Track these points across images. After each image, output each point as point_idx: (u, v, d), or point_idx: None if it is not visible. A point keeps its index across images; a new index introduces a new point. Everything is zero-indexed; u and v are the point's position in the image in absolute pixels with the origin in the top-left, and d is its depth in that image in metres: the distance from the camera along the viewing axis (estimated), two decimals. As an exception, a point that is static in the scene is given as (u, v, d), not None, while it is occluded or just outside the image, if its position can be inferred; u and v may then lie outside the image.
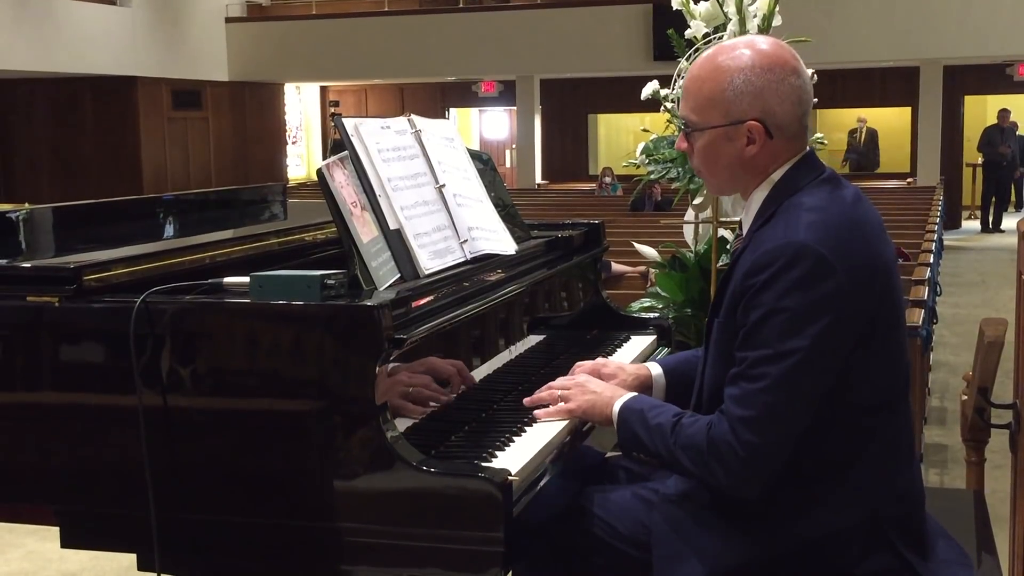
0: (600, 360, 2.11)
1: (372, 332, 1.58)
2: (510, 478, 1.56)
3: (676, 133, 3.82)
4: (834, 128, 16.39)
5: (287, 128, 16.99)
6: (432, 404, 1.80)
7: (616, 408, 1.79)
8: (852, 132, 16.69)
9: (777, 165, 1.70)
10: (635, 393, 1.84)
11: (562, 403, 1.88)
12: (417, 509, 1.56)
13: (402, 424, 1.71)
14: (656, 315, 2.80)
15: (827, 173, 1.70)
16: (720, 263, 3.90)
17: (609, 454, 2.16)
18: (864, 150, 16.61)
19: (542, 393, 1.91)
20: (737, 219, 4.00)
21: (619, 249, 6.40)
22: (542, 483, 1.71)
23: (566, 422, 1.87)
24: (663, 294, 4.20)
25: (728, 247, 4.12)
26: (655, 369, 2.04)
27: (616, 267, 6.95)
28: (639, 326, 2.69)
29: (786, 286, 1.56)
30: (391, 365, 1.65)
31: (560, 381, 1.94)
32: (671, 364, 2.05)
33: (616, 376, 2.00)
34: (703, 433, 1.63)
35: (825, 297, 1.55)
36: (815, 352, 1.55)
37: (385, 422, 1.59)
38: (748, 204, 1.75)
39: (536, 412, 1.88)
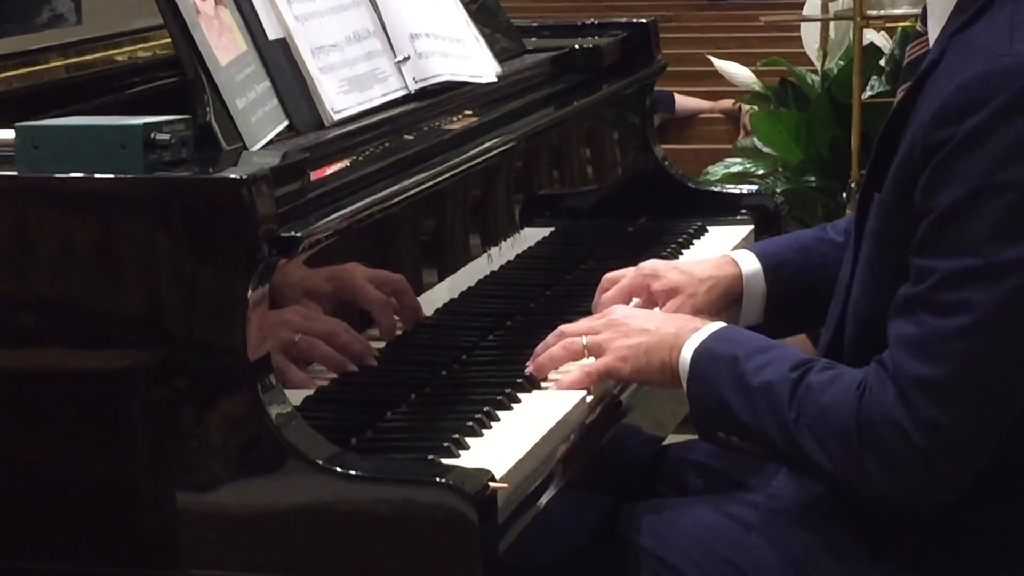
0: (647, 266, 2.11)
1: (240, 227, 1.59)
2: (493, 485, 1.57)
3: None
4: None
5: None
6: (352, 364, 1.85)
7: (687, 354, 1.81)
8: None
9: None
10: (721, 324, 1.87)
11: (590, 359, 1.89)
12: (328, 544, 1.58)
13: (298, 394, 1.73)
14: (755, 188, 2.84)
15: None
16: (870, 93, 3.87)
17: (671, 439, 2.19)
18: None
19: (554, 349, 1.92)
20: (907, 11, 3.96)
21: (688, 69, 6.37)
22: (549, 494, 1.73)
23: (587, 389, 1.90)
24: (766, 150, 4.20)
25: (885, 64, 4.08)
26: (748, 263, 2.10)
27: (683, 102, 6.92)
28: (723, 208, 2.71)
29: (1010, 143, 1.57)
30: (275, 283, 1.66)
31: (582, 323, 1.95)
32: (778, 253, 2.11)
33: (678, 290, 2.04)
34: (851, 402, 1.65)
35: None
36: None
37: (267, 390, 1.60)
38: None
39: (550, 381, 1.91)
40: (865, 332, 1.74)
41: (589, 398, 1.88)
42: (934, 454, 1.60)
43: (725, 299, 2.03)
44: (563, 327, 1.95)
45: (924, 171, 1.63)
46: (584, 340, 1.91)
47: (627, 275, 2.09)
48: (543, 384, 1.91)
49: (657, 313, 1.97)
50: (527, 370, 1.93)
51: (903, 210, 1.67)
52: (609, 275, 2.10)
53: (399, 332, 1.98)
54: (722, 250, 2.51)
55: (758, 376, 1.73)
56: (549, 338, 1.94)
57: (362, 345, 1.88)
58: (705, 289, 2.03)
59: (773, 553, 1.78)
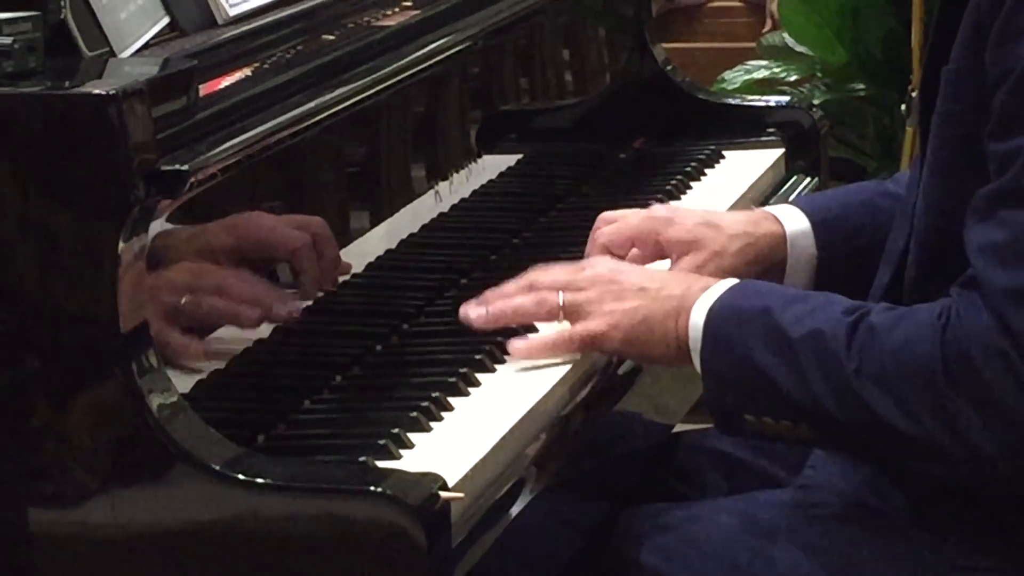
0: (661, 209, 2.15)
1: (107, 158, 1.58)
2: (445, 495, 1.58)
3: None
4: None
5: None
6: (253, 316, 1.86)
7: (698, 318, 1.83)
8: None
9: None
10: (735, 280, 1.90)
11: (563, 323, 1.92)
12: (227, 573, 1.60)
13: (188, 379, 1.72)
14: (785, 99, 2.84)
15: None
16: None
17: (681, 426, 2.20)
18: None
19: (518, 300, 1.94)
20: None
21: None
22: (523, 501, 1.75)
23: (572, 364, 1.92)
24: (799, 48, 4.22)
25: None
26: (793, 221, 2.11)
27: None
28: (744, 126, 2.73)
29: None
30: (157, 232, 1.65)
31: (559, 272, 1.95)
32: (831, 207, 2.14)
33: (700, 244, 2.06)
34: (931, 335, 1.67)
35: None
36: None
37: (146, 373, 1.60)
38: None
39: (512, 344, 1.93)
40: (934, 259, 1.76)
41: (574, 374, 1.89)
42: None
43: (760, 264, 2.03)
44: (533, 275, 1.94)
45: (995, 24, 1.65)
46: (565, 299, 1.90)
47: (631, 217, 2.09)
48: (514, 359, 1.91)
49: (657, 271, 1.96)
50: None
51: (975, 79, 1.69)
52: (608, 214, 2.09)
53: (319, 294, 1.96)
54: (744, 182, 2.56)
55: (800, 325, 1.74)
56: (509, 286, 1.94)
57: (273, 295, 1.88)
58: (736, 249, 2.03)
59: (804, 564, 1.81)
